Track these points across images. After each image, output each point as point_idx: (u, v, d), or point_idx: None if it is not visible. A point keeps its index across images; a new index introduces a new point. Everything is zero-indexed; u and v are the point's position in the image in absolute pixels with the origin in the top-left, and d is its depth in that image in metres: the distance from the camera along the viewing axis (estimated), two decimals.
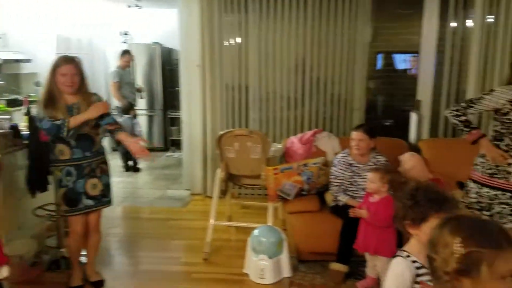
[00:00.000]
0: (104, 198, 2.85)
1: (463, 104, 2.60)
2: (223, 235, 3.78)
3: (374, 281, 2.92)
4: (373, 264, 2.91)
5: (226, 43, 4.62)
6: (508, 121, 2.45)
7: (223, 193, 3.65)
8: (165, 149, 7.55)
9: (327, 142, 3.85)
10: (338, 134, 4.48)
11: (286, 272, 3.06)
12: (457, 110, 2.58)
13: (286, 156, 3.82)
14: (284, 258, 3.06)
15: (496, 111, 2.53)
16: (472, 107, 2.56)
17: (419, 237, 1.55)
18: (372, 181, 2.83)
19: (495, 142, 2.54)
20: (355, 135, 3.22)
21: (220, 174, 3.51)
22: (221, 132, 3.55)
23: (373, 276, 2.92)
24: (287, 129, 4.65)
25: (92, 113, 2.69)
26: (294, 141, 3.82)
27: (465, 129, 2.58)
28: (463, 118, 2.57)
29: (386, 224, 2.72)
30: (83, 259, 3.01)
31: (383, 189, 2.80)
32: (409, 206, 1.59)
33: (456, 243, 1.01)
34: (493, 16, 4.15)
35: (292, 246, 3.28)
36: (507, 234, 1.05)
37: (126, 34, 7.40)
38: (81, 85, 2.70)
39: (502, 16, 4.09)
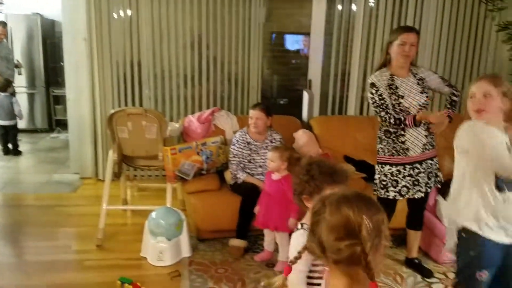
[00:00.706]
0: None
1: (382, 113, 2.64)
2: (118, 219, 3.61)
3: (271, 254, 3.04)
4: (270, 238, 3.01)
5: (115, 16, 4.32)
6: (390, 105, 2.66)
7: (117, 175, 3.47)
8: (49, 130, 6.98)
9: (226, 121, 3.85)
10: (236, 112, 4.51)
11: (186, 252, 3.03)
12: (388, 119, 2.63)
13: (184, 135, 3.75)
14: (184, 238, 3.02)
15: None
16: (387, 109, 2.64)
17: None
18: (272, 160, 2.90)
19: (384, 128, 2.73)
20: (253, 113, 3.26)
21: (112, 155, 3.31)
22: (112, 111, 3.33)
23: (269, 250, 3.04)
24: (185, 108, 4.55)
25: None
26: (192, 120, 3.75)
27: (402, 124, 2.62)
28: (396, 119, 2.62)
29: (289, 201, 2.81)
30: None
31: (283, 166, 2.89)
32: (305, 181, 1.68)
33: (365, 222, 1.03)
34: (374, 1, 4.48)
35: (192, 226, 3.26)
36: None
37: (1, 3, 6.56)
38: None
39: (382, 0, 4.43)
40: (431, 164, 2.75)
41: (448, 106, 2.76)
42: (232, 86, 4.60)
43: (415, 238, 2.93)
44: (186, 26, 4.36)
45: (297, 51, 6.43)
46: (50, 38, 6.88)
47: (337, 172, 1.70)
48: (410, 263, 2.97)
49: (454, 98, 2.74)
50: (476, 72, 4.75)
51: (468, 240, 1.89)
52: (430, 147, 2.73)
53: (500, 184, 1.80)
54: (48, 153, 5.82)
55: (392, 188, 2.72)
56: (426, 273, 2.88)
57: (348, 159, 3.77)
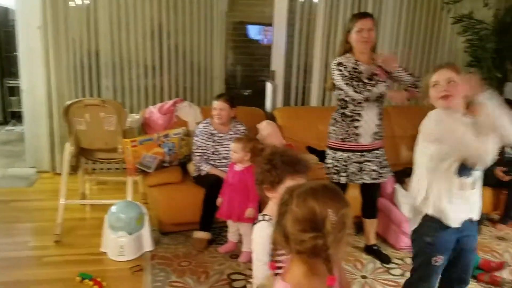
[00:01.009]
0: None
1: (356, 83, 2.61)
2: (76, 214, 3.51)
3: (235, 245, 3.04)
4: (234, 229, 3.02)
5: (72, 3, 4.15)
6: None
7: (74, 169, 3.36)
8: (4, 122, 6.71)
9: (188, 112, 3.80)
10: (199, 103, 4.46)
11: (148, 246, 2.98)
12: (357, 88, 2.60)
13: (145, 127, 3.67)
14: (145, 232, 2.97)
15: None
16: (354, 84, 2.64)
17: (277, 199, 1.64)
18: (235, 151, 2.89)
19: (341, 111, 2.78)
20: (217, 104, 3.23)
21: (69, 148, 3.20)
22: (69, 102, 3.21)
23: (234, 240, 3.04)
24: (145, 98, 4.45)
25: None
26: (154, 111, 3.68)
27: (374, 81, 2.61)
28: (367, 87, 2.60)
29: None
30: None
31: (246, 157, 2.89)
32: (267, 170, 1.68)
33: (330, 216, 1.06)
34: None
35: (154, 220, 3.21)
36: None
37: None
38: None
39: None
40: (379, 154, 2.81)
41: (411, 86, 2.76)
42: (194, 76, 4.54)
43: (371, 226, 3.01)
44: (146, 14, 4.26)
45: (258, 41, 6.41)
46: (4, 27, 6.60)
47: (299, 162, 1.70)
48: (369, 250, 3.05)
49: (417, 83, 2.74)
50: (433, 62, 4.90)
51: (424, 226, 1.93)
52: (379, 137, 2.80)
53: (462, 170, 1.83)
54: (3, 146, 5.59)
55: (343, 174, 2.79)
56: (385, 259, 2.96)
57: (311, 150, 3.81)
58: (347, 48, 2.76)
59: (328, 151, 2.86)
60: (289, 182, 1.63)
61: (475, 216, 1.95)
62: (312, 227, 1.05)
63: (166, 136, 3.27)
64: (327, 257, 1.05)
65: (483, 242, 3.31)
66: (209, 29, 4.43)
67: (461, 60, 4.76)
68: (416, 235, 2.00)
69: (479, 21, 4.47)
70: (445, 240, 1.91)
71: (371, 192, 2.93)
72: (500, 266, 2.83)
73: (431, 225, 1.91)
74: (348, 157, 2.77)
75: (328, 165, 2.85)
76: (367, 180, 2.79)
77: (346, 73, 2.66)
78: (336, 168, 2.80)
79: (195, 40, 4.42)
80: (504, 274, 2.81)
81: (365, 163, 2.78)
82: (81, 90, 4.29)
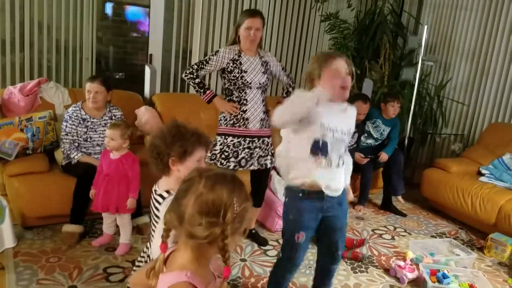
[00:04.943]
0: None
1: (195, 66, 2.80)
2: None
3: (111, 238, 2.89)
4: (110, 221, 2.85)
5: None
6: (233, 78, 2.76)
7: None
8: None
9: (55, 94, 3.46)
10: (66, 85, 4.07)
11: (10, 242, 2.63)
12: (191, 73, 2.78)
13: (3, 109, 3.23)
14: (6, 227, 2.62)
15: (223, 70, 2.80)
16: (203, 68, 2.79)
17: (180, 172, 1.57)
18: (112, 138, 2.71)
19: (227, 98, 2.83)
20: (92, 87, 2.99)
21: None
22: None
23: (109, 233, 2.88)
24: (2, 77, 3.91)
25: None
26: (14, 92, 3.25)
27: (200, 90, 2.81)
28: (197, 80, 2.79)
29: (129, 180, 2.72)
30: None
31: (125, 145, 2.74)
32: (175, 140, 1.57)
33: (234, 205, 1.04)
34: None
35: (16, 213, 2.87)
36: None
37: None
38: None
39: None
40: (267, 142, 2.93)
41: (284, 95, 2.99)
42: (61, 56, 4.12)
43: (255, 213, 3.13)
44: None
45: (135, 23, 6.11)
46: None
47: (202, 135, 1.64)
48: (248, 234, 3.17)
49: (290, 89, 2.98)
50: (302, 58, 5.24)
51: (289, 204, 2.05)
52: (267, 125, 2.91)
53: (314, 149, 1.92)
54: None
55: (233, 159, 2.82)
56: (262, 242, 3.11)
57: None
58: (236, 40, 2.84)
59: (218, 138, 2.86)
60: (199, 154, 1.59)
61: (333, 193, 1.99)
62: (214, 212, 1.02)
63: (29, 119, 2.94)
64: (224, 246, 1.03)
65: None
66: (79, 5, 4.05)
67: None
68: (283, 213, 2.10)
69: (343, 21, 4.90)
70: (306, 218, 1.99)
71: (260, 181, 3.00)
72: (361, 243, 3.18)
73: (293, 202, 2.00)
74: (238, 142, 2.81)
75: (216, 152, 2.84)
76: (255, 166, 2.87)
77: (207, 58, 2.81)
78: (225, 153, 2.81)
79: (61, 16, 4.00)
80: (364, 250, 3.18)
81: (254, 150, 2.85)
82: None
